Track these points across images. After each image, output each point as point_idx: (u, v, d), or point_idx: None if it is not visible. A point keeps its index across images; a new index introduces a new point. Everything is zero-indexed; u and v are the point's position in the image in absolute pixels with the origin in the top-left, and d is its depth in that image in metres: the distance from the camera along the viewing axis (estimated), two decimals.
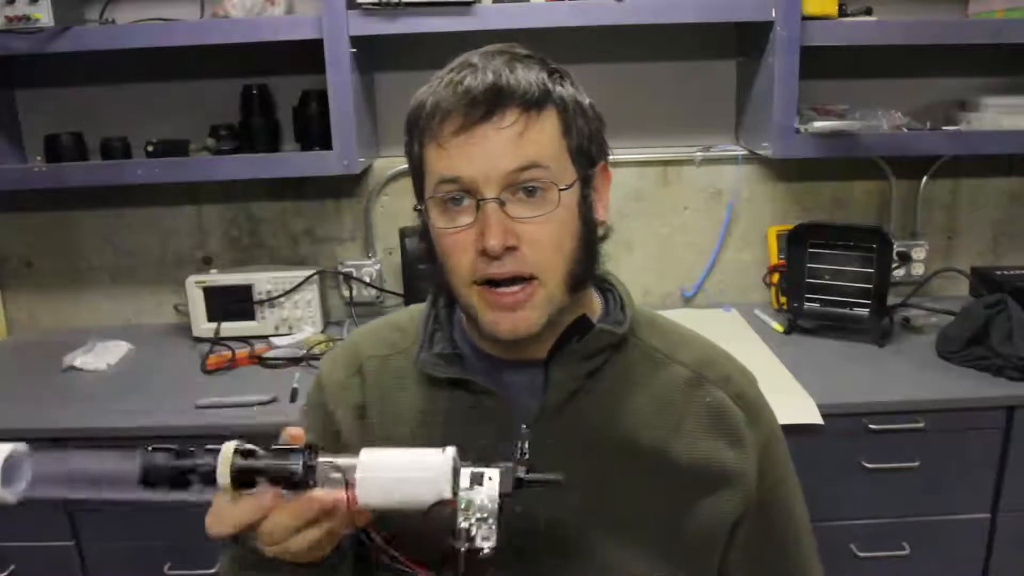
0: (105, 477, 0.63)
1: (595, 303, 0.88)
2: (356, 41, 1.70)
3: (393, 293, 2.07)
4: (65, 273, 2.09)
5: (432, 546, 0.65)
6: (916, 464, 1.54)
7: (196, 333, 1.94)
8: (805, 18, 1.69)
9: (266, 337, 1.91)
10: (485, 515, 0.62)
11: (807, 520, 0.92)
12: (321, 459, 0.64)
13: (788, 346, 1.78)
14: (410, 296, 1.95)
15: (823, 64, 1.79)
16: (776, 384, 1.54)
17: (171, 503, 0.64)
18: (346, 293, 2.05)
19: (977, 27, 1.78)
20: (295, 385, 1.64)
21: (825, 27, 1.71)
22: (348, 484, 0.63)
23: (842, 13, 1.75)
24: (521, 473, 0.64)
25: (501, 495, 0.62)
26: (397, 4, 1.66)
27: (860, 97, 1.94)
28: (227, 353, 1.82)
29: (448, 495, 0.62)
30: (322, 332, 1.93)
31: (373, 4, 1.66)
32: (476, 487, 0.62)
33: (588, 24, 1.71)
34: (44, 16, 1.63)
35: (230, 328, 1.93)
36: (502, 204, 0.73)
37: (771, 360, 1.69)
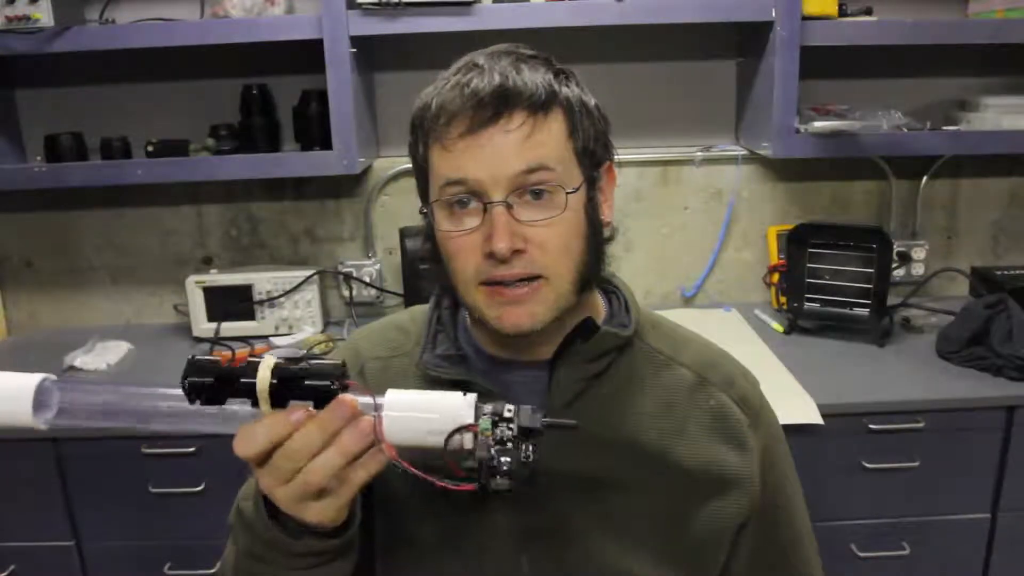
0: (128, 409, 0.66)
1: (599, 305, 0.87)
2: (356, 41, 1.70)
3: (393, 293, 2.07)
4: (65, 273, 2.09)
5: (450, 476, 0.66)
6: (916, 464, 1.54)
7: (196, 333, 1.94)
8: (805, 18, 1.69)
9: (266, 337, 1.91)
10: (504, 438, 0.65)
11: (808, 522, 0.91)
12: (352, 385, 0.66)
13: (788, 346, 1.78)
14: (410, 296, 1.95)
15: (823, 64, 1.79)
16: (776, 384, 1.54)
17: (188, 434, 0.66)
18: (346, 293, 2.05)
19: (977, 27, 1.78)
20: None
21: (825, 27, 1.71)
22: (377, 418, 0.64)
23: (842, 13, 1.75)
24: (539, 415, 0.66)
25: (526, 429, 0.65)
26: (397, 4, 1.66)
27: (860, 97, 1.94)
28: (227, 353, 1.81)
29: (469, 420, 0.65)
30: (322, 332, 1.93)
31: (373, 4, 1.66)
32: (495, 417, 0.65)
33: (588, 24, 1.71)
34: (44, 16, 1.63)
35: (230, 328, 1.93)
36: (509, 207, 0.73)
37: (771, 360, 1.69)
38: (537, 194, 0.74)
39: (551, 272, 0.75)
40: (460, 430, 0.64)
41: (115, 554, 1.58)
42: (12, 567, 1.57)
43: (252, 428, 0.64)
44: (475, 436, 0.65)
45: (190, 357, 0.65)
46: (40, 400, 0.64)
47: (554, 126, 0.74)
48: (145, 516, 1.55)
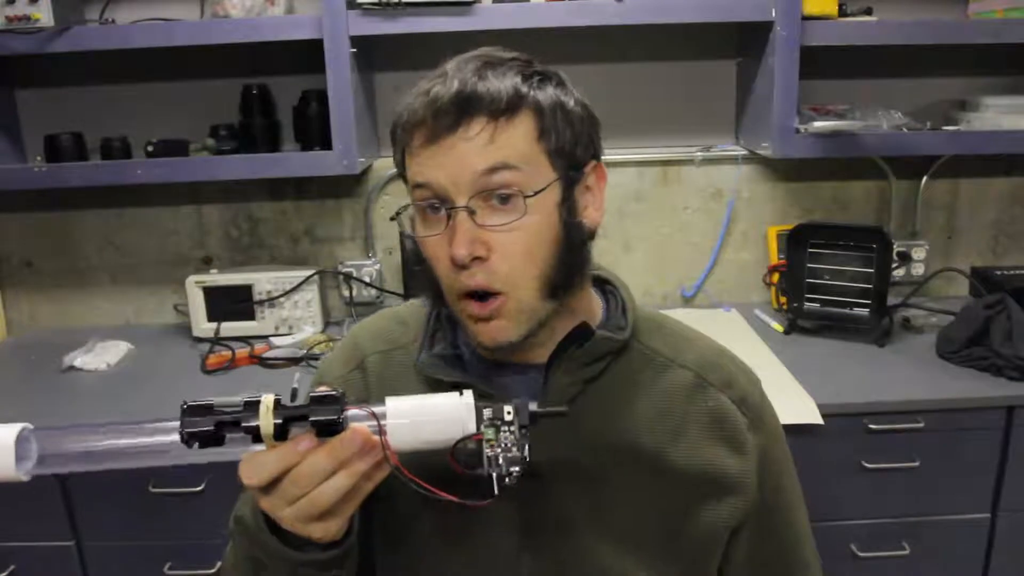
0: (110, 449, 0.64)
1: (596, 306, 0.87)
2: (356, 41, 1.70)
3: (393, 293, 2.07)
4: (65, 273, 2.09)
5: (454, 486, 0.67)
6: (916, 464, 1.54)
7: (196, 333, 1.94)
8: (805, 18, 1.69)
9: (266, 337, 1.91)
10: (509, 444, 0.66)
11: (807, 524, 0.91)
12: (352, 408, 0.66)
13: (788, 346, 1.78)
14: (410, 296, 1.95)
15: (823, 64, 1.79)
16: (776, 384, 1.53)
17: (180, 465, 0.65)
18: (346, 293, 2.05)
19: (977, 27, 1.78)
20: (295, 385, 1.64)
21: (825, 27, 1.71)
22: (381, 429, 0.65)
23: (842, 13, 1.75)
24: (533, 407, 0.68)
25: (521, 426, 0.67)
26: (397, 4, 1.66)
27: (860, 97, 1.94)
28: (227, 353, 1.82)
29: (473, 430, 0.66)
30: (322, 332, 1.93)
31: (373, 4, 1.66)
32: (496, 421, 0.67)
33: (588, 24, 1.71)
34: (44, 16, 1.63)
35: (230, 328, 1.93)
36: (472, 213, 0.73)
37: (771, 360, 1.69)
38: (504, 199, 0.73)
39: (512, 284, 0.74)
40: (466, 439, 0.65)
41: (115, 554, 1.58)
42: (12, 567, 1.57)
43: (260, 457, 0.65)
44: (480, 444, 0.66)
45: (183, 404, 0.65)
46: (21, 451, 0.63)
47: (519, 129, 0.73)
48: (145, 516, 1.55)
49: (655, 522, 0.80)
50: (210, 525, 1.50)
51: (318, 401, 0.65)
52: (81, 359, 1.80)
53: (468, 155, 0.72)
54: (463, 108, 0.72)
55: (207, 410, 0.64)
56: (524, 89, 0.74)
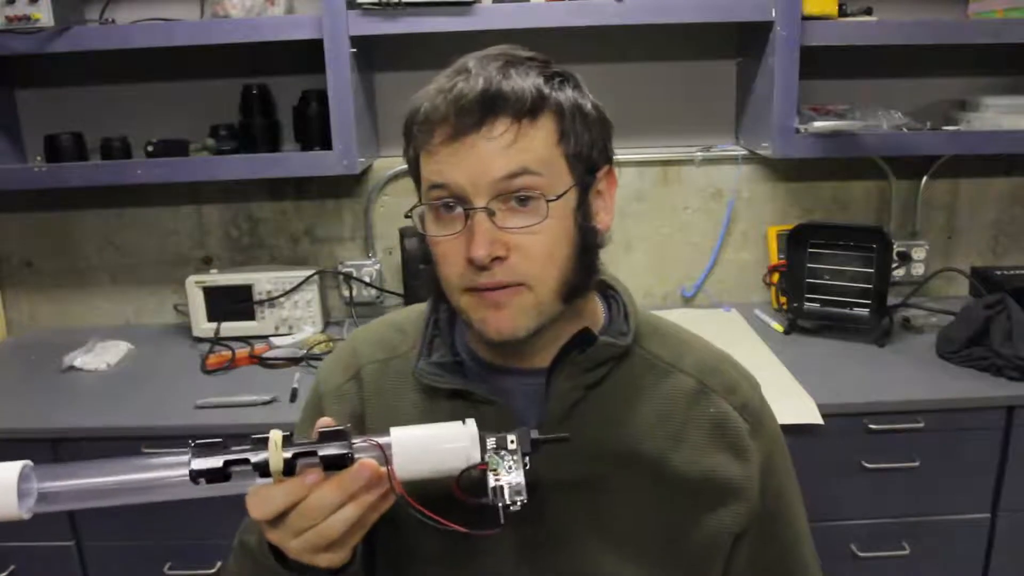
0: (110, 485, 0.65)
1: (598, 311, 0.86)
2: (356, 41, 1.70)
3: (393, 293, 2.07)
4: (65, 273, 2.09)
5: (457, 509, 0.67)
6: (916, 464, 1.54)
7: (196, 333, 1.94)
8: (805, 18, 1.69)
9: (266, 337, 1.91)
10: (513, 473, 0.67)
11: (807, 525, 0.91)
12: (357, 441, 0.67)
13: (788, 346, 1.78)
14: (410, 296, 1.95)
15: (823, 64, 1.79)
16: (776, 384, 1.54)
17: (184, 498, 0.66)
18: (346, 293, 2.05)
19: (977, 27, 1.78)
20: (295, 385, 1.64)
21: (825, 27, 1.71)
22: (387, 459, 0.65)
23: (842, 13, 1.75)
24: (535, 435, 0.69)
25: (524, 453, 0.68)
26: (397, 4, 1.66)
27: (860, 97, 1.94)
28: (227, 353, 1.82)
29: (478, 459, 0.67)
30: (322, 332, 1.93)
31: (373, 4, 1.66)
32: (500, 450, 0.68)
33: (588, 24, 1.71)
34: (44, 16, 1.63)
35: (230, 328, 1.93)
36: (491, 214, 0.72)
37: (771, 360, 1.69)
38: (523, 200, 0.72)
39: (533, 280, 0.74)
40: (470, 468, 0.66)
41: (115, 554, 1.58)
42: (12, 567, 1.57)
43: (267, 491, 0.65)
44: (484, 473, 0.67)
45: (191, 443, 0.66)
46: (22, 489, 0.63)
47: (541, 132, 0.73)
48: (145, 516, 1.54)
49: (656, 528, 0.80)
50: (210, 525, 1.49)
51: (326, 437, 0.66)
52: (81, 359, 1.80)
53: (490, 156, 0.71)
54: (488, 107, 0.71)
55: (215, 447, 0.65)
56: (546, 90, 0.74)
